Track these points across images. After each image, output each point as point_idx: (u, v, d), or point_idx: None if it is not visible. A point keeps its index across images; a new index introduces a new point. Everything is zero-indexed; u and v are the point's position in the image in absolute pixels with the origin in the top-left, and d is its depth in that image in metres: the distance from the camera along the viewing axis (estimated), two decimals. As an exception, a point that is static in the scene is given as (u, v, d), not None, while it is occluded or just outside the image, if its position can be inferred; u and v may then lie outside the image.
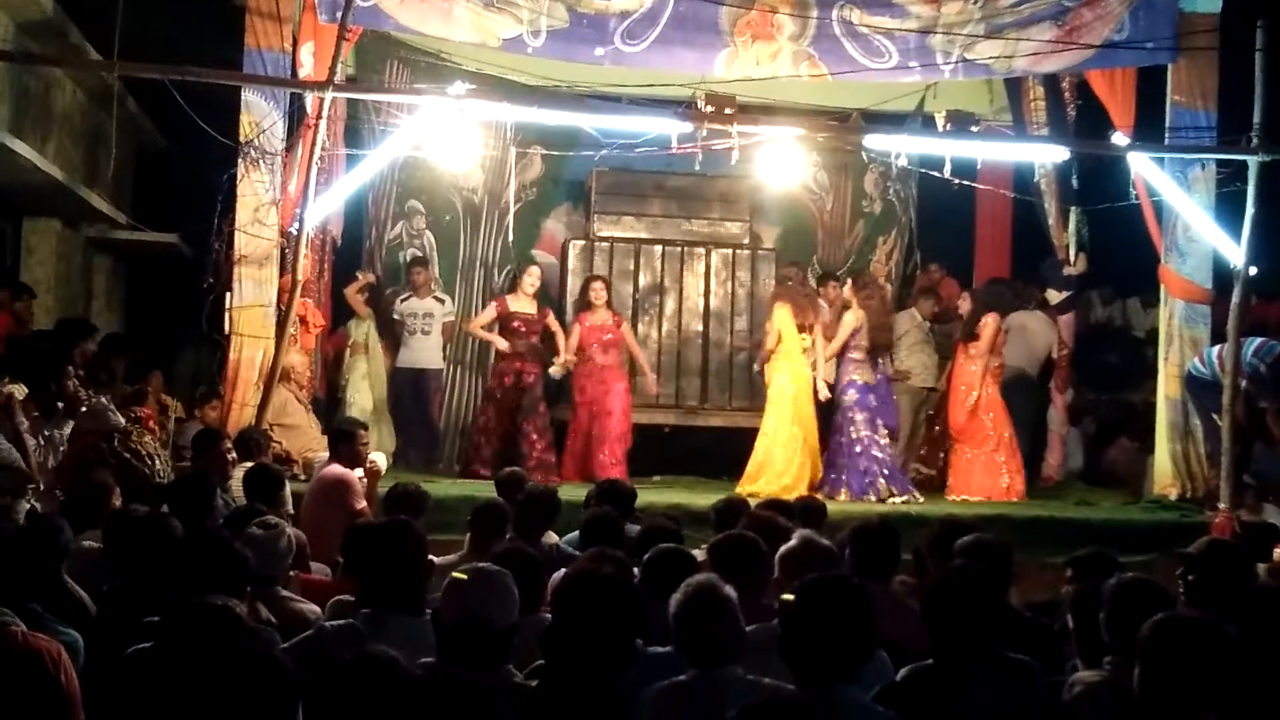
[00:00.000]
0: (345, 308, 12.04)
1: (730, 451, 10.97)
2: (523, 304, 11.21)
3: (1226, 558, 5.12)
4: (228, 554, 4.48)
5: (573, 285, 11.81)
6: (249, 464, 7.84)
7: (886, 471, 10.40)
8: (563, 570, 5.00)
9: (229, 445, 7.91)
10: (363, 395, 11.59)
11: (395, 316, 12.10)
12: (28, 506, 6.60)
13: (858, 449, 10.39)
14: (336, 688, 3.09)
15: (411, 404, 12.04)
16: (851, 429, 10.44)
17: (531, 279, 11.28)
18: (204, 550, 4.50)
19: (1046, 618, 5.13)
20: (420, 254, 12.55)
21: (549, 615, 4.24)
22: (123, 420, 7.87)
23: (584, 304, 11.19)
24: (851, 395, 10.50)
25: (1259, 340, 10.34)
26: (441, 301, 12.16)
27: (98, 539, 5.50)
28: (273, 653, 3.25)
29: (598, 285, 11.18)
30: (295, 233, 9.56)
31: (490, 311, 11.38)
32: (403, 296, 12.13)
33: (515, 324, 11.13)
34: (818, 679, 3.49)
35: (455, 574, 3.93)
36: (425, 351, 12.05)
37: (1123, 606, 4.06)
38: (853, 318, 10.54)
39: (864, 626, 3.58)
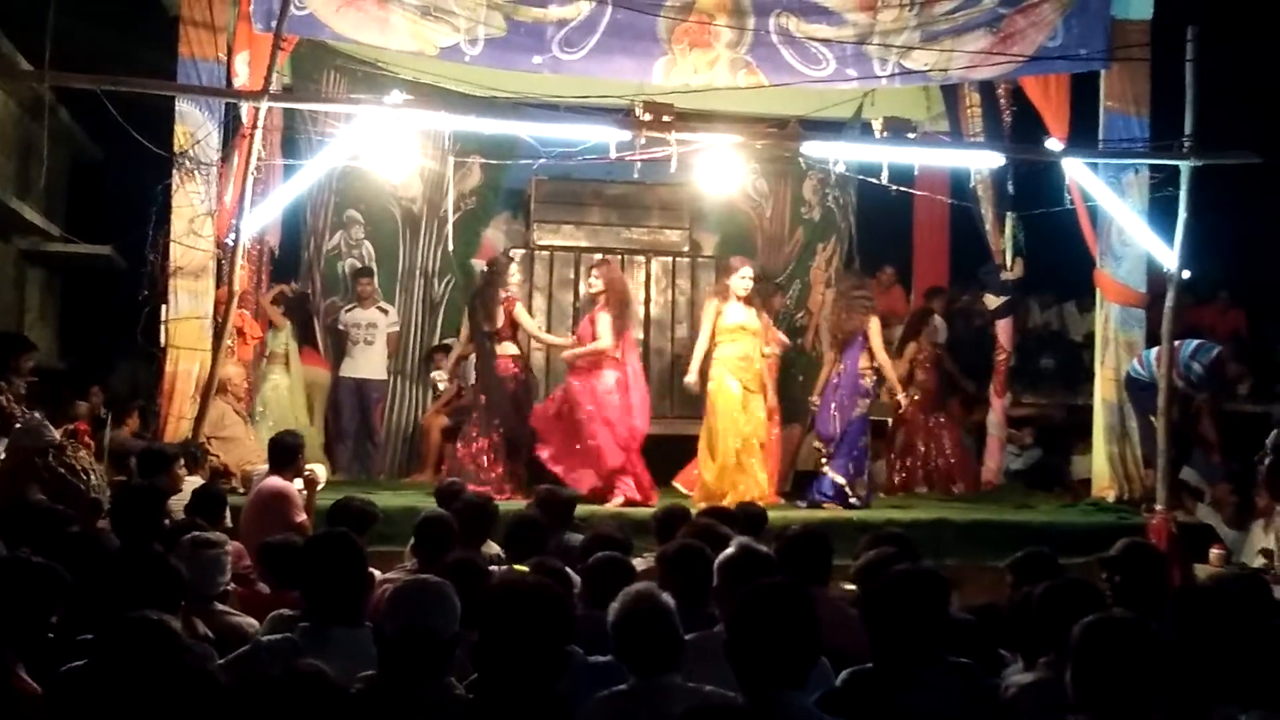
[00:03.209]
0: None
1: (672, 460, 10.93)
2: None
3: (1146, 559, 5.19)
4: (162, 569, 4.43)
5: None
6: (192, 478, 7.82)
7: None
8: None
9: (181, 465, 7.85)
10: (274, 407, 11.49)
11: (340, 327, 12.06)
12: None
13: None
14: (266, 704, 3.06)
15: (353, 414, 12.00)
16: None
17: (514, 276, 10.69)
18: (138, 566, 4.45)
19: (986, 620, 5.16)
20: (363, 264, 12.51)
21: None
22: (57, 435, 7.77)
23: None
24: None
25: (1196, 342, 10.49)
26: (385, 312, 12.15)
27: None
28: (207, 669, 3.22)
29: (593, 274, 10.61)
30: (231, 244, 9.49)
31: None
32: (347, 307, 12.09)
33: None
34: (764, 685, 3.49)
35: (396, 584, 3.91)
36: (368, 361, 12.03)
37: (1053, 608, 4.11)
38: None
39: (811, 633, 3.58)
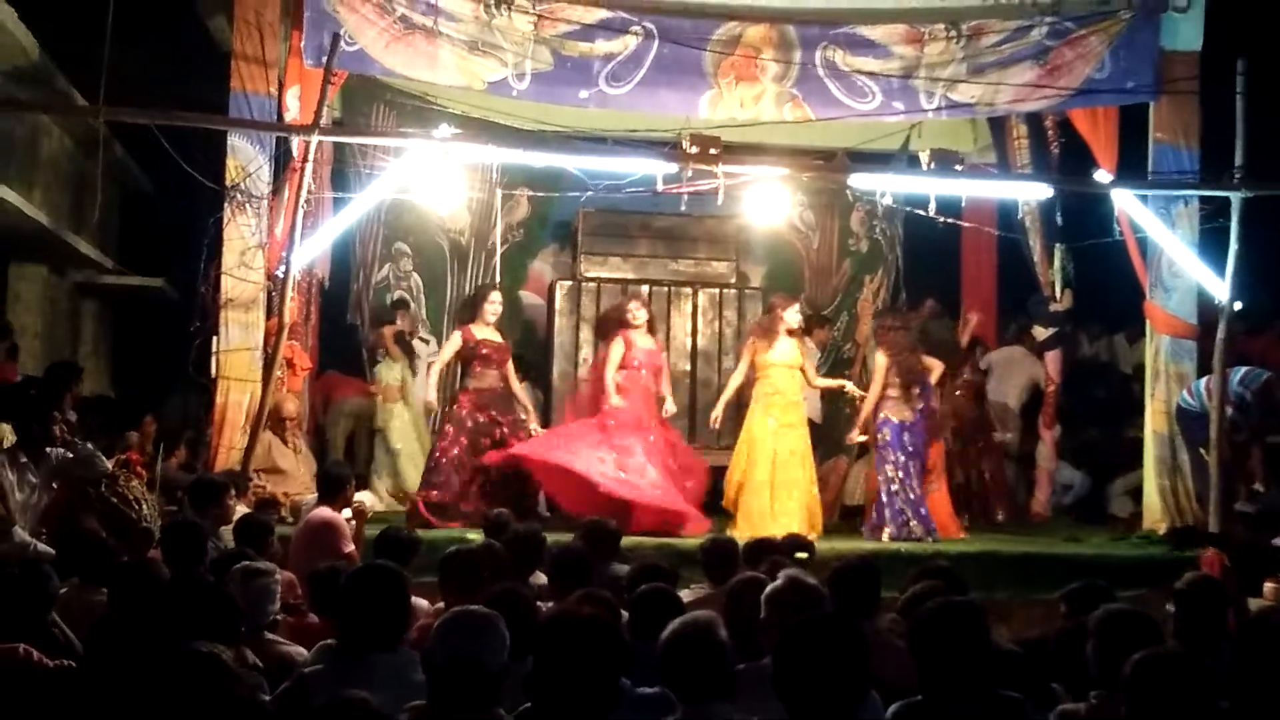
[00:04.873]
0: (332, 350, 12.07)
1: (718, 490, 10.88)
2: (487, 332, 10.40)
3: (1213, 593, 5.16)
4: (217, 600, 4.46)
5: (560, 325, 11.82)
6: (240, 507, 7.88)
7: (923, 511, 10.16)
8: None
9: (233, 495, 7.90)
10: (405, 439, 11.60)
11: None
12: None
13: (894, 488, 10.17)
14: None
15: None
16: (887, 468, 10.24)
17: (493, 305, 10.44)
18: (192, 596, 4.48)
19: (1036, 654, 5.13)
20: (403, 296, 12.58)
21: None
22: (110, 465, 7.84)
23: (622, 324, 10.44)
24: (885, 434, 10.27)
25: (1245, 369, 10.39)
26: (426, 342, 12.20)
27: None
28: (258, 700, 3.24)
29: (635, 304, 10.53)
30: (282, 276, 9.56)
31: (455, 341, 10.43)
32: (384, 338, 12.16)
33: (485, 351, 10.29)
34: (812, 717, 3.48)
35: (446, 615, 3.91)
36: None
37: (1110, 639, 4.06)
38: (883, 358, 10.34)
39: (859, 665, 3.57)
